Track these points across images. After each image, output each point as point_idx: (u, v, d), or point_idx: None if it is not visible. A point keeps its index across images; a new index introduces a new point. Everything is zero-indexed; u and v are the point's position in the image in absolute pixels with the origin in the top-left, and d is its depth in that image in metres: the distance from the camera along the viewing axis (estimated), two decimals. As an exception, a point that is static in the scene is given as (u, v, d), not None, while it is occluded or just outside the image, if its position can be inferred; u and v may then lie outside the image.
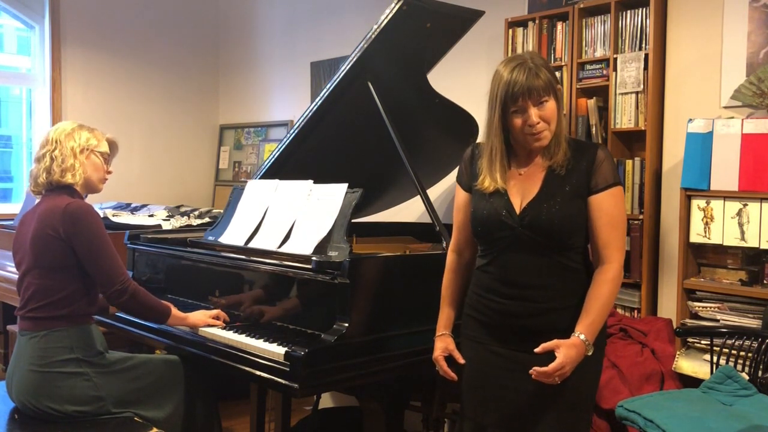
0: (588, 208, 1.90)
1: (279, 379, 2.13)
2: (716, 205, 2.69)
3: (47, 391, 2.29)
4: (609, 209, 1.89)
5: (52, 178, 2.40)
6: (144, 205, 4.35)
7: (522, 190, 1.93)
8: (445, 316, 2.11)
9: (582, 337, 1.82)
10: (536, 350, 1.82)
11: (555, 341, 1.82)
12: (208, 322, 2.53)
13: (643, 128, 2.97)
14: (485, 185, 1.95)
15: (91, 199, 2.66)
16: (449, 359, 2.05)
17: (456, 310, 2.10)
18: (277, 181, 2.77)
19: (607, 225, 1.89)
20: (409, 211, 3.64)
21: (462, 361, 2.03)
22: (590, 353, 1.85)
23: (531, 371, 1.80)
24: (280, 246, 2.55)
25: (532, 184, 1.93)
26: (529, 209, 1.89)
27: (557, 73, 3.21)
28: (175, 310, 2.52)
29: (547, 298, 1.89)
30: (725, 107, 2.85)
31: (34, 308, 2.35)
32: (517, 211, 1.90)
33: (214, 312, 2.57)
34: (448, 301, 2.11)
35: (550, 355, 1.81)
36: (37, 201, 2.49)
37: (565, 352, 1.79)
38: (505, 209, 1.91)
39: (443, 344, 2.06)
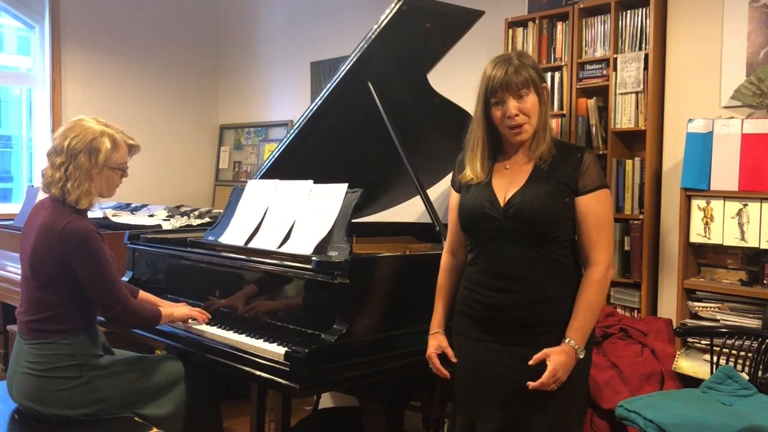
0: (575, 210, 1.93)
1: (279, 379, 2.13)
2: (716, 205, 2.69)
3: (49, 396, 2.27)
4: (596, 211, 1.92)
5: (67, 198, 2.31)
6: (144, 205, 4.35)
7: (507, 183, 1.97)
8: (439, 314, 2.14)
9: (571, 342, 1.87)
10: (530, 362, 1.86)
11: (544, 351, 1.86)
12: (192, 315, 2.55)
13: (643, 128, 2.97)
14: (467, 176, 2.01)
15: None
16: (443, 357, 2.08)
17: (450, 309, 2.13)
18: (277, 181, 2.77)
19: (594, 227, 1.91)
20: (409, 211, 3.65)
21: (454, 360, 2.06)
22: (582, 356, 1.88)
23: (527, 384, 1.85)
24: (280, 246, 2.55)
25: (518, 177, 1.96)
26: (513, 200, 1.92)
27: (557, 73, 3.22)
28: (163, 311, 2.51)
29: (533, 291, 1.91)
30: (725, 107, 2.85)
31: (32, 320, 2.32)
32: (502, 203, 1.93)
33: (198, 309, 2.59)
34: (442, 300, 2.14)
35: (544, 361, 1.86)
36: (43, 197, 2.45)
37: (555, 359, 1.84)
38: (489, 201, 1.95)
39: (436, 342, 2.10)
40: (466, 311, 2.03)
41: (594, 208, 1.91)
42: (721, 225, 2.68)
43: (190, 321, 2.57)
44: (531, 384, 1.84)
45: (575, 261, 1.98)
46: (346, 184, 2.50)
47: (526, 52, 2.07)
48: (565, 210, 1.92)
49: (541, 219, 1.89)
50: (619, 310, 3.04)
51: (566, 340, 1.87)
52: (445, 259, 2.17)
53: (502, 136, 1.99)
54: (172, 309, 2.56)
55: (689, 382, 2.67)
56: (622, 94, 3.01)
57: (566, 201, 1.91)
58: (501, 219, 1.92)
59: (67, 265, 2.28)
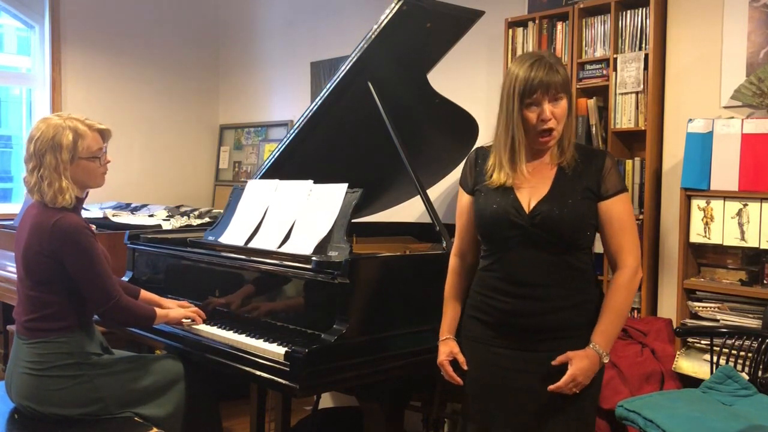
0: (599, 214, 1.91)
1: (279, 379, 2.13)
2: (716, 205, 2.69)
3: (48, 395, 2.28)
4: (620, 214, 1.91)
5: (45, 199, 2.32)
6: (144, 205, 4.35)
7: (530, 189, 1.92)
8: (449, 319, 2.09)
9: (596, 348, 1.86)
10: (553, 363, 1.86)
11: (568, 353, 1.85)
12: (186, 315, 2.55)
13: (643, 128, 2.97)
14: (500, 179, 1.92)
15: (91, 199, 2.65)
16: (454, 363, 2.04)
17: (459, 313, 2.09)
18: (277, 181, 2.77)
19: (619, 230, 1.90)
20: (409, 211, 3.65)
21: (466, 367, 2.02)
22: (606, 361, 1.87)
23: (549, 388, 1.84)
24: (280, 246, 2.55)
25: (541, 182, 1.92)
26: (540, 208, 1.88)
27: (557, 73, 3.22)
28: (158, 312, 2.50)
29: (553, 297, 1.89)
30: (725, 107, 2.85)
31: (28, 319, 2.33)
32: (527, 209, 1.90)
33: (194, 309, 2.59)
34: (451, 305, 2.10)
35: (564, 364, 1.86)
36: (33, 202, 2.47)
37: (577, 363, 1.83)
38: (513, 208, 1.90)
39: (448, 348, 2.04)
40: (479, 317, 1.99)
41: (617, 211, 1.90)
42: (721, 225, 2.68)
43: (185, 321, 2.56)
44: (550, 387, 1.83)
45: (593, 267, 1.97)
46: (346, 184, 2.50)
47: (550, 52, 2.01)
48: (590, 216, 1.90)
49: (569, 227, 1.87)
50: (619, 310, 3.04)
51: (591, 345, 1.85)
52: (453, 263, 2.12)
53: (525, 139, 1.92)
54: (168, 310, 2.55)
55: (689, 382, 2.67)
56: (622, 94, 3.01)
57: (591, 207, 1.90)
58: (527, 226, 1.88)
59: (58, 261, 2.28)
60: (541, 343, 1.89)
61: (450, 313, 2.09)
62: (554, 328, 1.89)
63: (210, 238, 2.88)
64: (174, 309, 2.58)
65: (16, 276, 2.50)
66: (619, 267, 1.91)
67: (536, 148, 1.93)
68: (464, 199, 2.06)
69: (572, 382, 1.82)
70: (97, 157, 2.39)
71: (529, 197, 1.91)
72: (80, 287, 2.32)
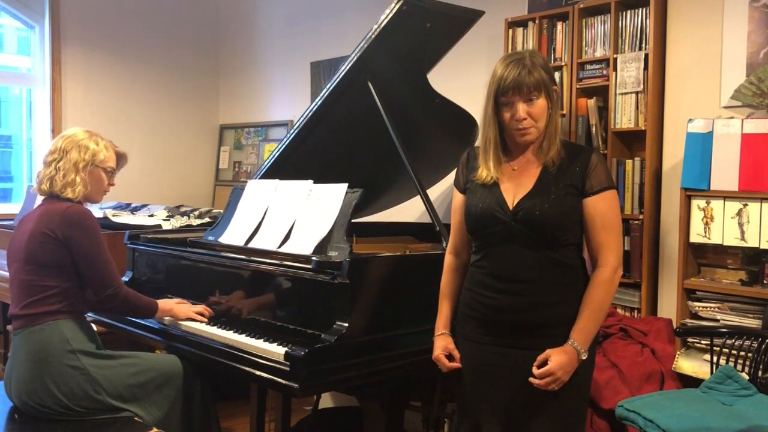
0: (583, 211, 1.92)
1: (279, 379, 2.13)
2: (716, 205, 2.69)
3: (45, 385, 2.29)
4: (603, 212, 1.91)
5: (54, 188, 2.44)
6: (144, 205, 4.35)
7: (515, 186, 1.95)
8: (444, 315, 2.12)
9: (574, 344, 1.87)
10: (534, 365, 1.86)
11: (546, 351, 1.86)
12: (190, 315, 2.57)
13: (643, 128, 2.97)
14: (482, 176, 1.98)
15: (91, 199, 2.67)
16: (449, 358, 2.06)
17: (454, 309, 2.11)
18: (277, 181, 2.77)
19: (601, 228, 1.91)
20: (409, 211, 3.65)
21: (459, 365, 2.04)
22: (584, 357, 1.88)
23: (529, 380, 1.85)
24: (280, 246, 2.55)
25: (526, 179, 1.95)
26: (523, 204, 1.91)
27: (557, 74, 3.22)
28: (161, 304, 2.55)
29: (539, 293, 1.90)
30: (725, 107, 2.85)
31: (27, 304, 2.36)
32: (510, 206, 1.92)
33: (199, 307, 2.61)
34: (446, 301, 2.13)
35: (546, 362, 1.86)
36: (38, 203, 2.52)
37: (555, 359, 1.84)
38: (497, 204, 1.94)
39: (443, 343, 2.07)
40: (469, 313, 2.02)
41: (601, 209, 1.91)
42: (721, 225, 2.68)
43: (183, 323, 2.57)
44: (531, 379, 1.85)
45: (583, 263, 1.98)
46: (346, 184, 2.50)
47: (539, 52, 2.03)
48: (573, 213, 1.91)
49: (550, 223, 1.88)
50: (619, 310, 3.04)
51: (569, 341, 1.87)
52: (448, 260, 2.15)
53: (508, 136, 1.98)
54: (173, 305, 2.59)
55: (689, 382, 2.67)
56: (622, 94, 3.01)
57: (575, 204, 1.91)
58: (510, 222, 1.91)
59: (65, 245, 2.35)
60: (529, 339, 1.91)
61: (445, 310, 2.12)
62: (540, 324, 1.91)
63: (210, 238, 2.88)
64: (179, 305, 2.60)
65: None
66: (599, 265, 1.92)
67: (517, 142, 1.96)
68: (457, 197, 2.10)
69: (551, 377, 1.83)
70: (110, 173, 2.55)
71: (513, 194, 1.94)
72: (84, 273, 2.39)
